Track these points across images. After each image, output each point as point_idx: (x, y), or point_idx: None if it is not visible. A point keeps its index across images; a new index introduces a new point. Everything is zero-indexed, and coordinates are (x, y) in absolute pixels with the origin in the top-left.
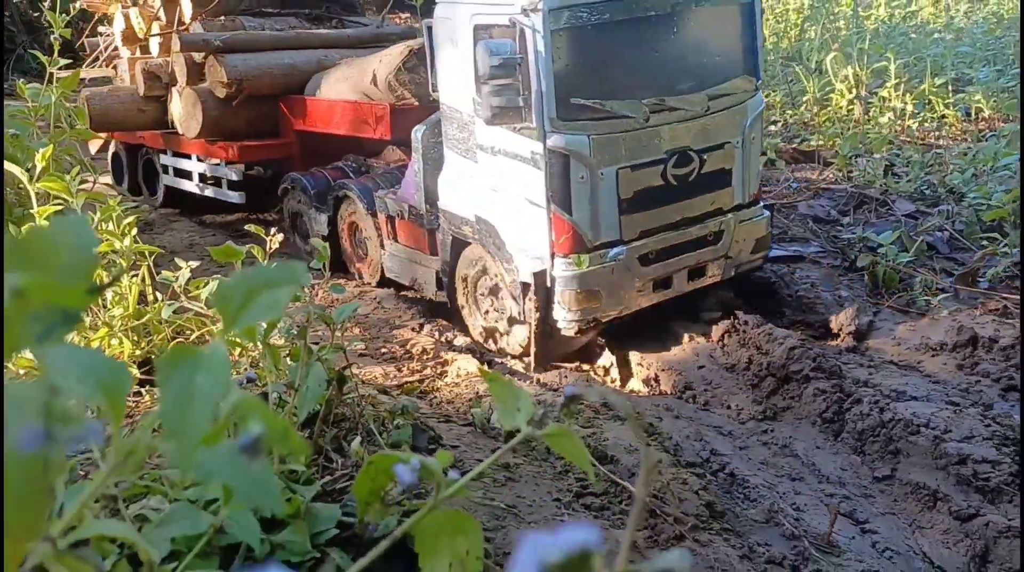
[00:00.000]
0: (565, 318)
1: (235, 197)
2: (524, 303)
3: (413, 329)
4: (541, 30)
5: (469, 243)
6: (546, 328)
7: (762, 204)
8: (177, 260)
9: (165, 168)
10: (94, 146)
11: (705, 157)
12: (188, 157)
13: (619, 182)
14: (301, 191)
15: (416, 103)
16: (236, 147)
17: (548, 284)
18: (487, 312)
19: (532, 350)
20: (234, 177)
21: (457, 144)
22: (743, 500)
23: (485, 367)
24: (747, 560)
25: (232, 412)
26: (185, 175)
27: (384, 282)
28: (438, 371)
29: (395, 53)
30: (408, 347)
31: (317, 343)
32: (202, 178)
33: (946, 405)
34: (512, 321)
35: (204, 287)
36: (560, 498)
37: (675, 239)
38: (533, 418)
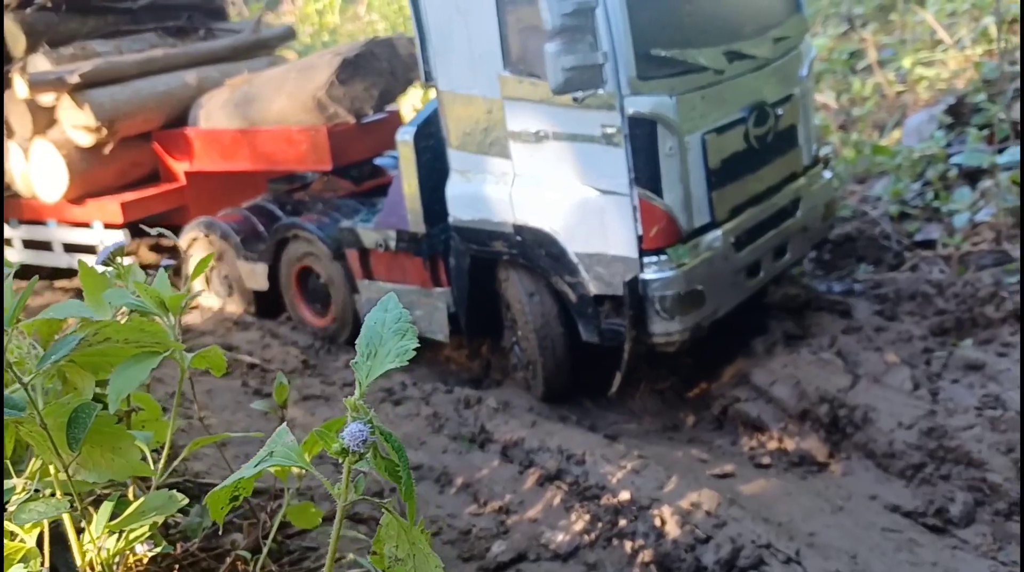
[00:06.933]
0: (668, 330)
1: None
2: (602, 322)
3: None
4: None
5: (500, 261)
6: (638, 348)
7: (823, 164)
8: None
9: (8, 242)
10: None
11: (779, 112)
12: (43, 223)
13: (706, 150)
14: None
15: (354, 121)
16: (118, 203)
17: (641, 291)
18: (513, 346)
19: (618, 375)
20: (123, 242)
21: (472, 140)
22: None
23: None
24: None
25: None
26: (42, 246)
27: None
28: None
29: (322, 65)
30: None
31: None
32: (69, 249)
33: None
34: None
35: None
36: None
37: (761, 214)
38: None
